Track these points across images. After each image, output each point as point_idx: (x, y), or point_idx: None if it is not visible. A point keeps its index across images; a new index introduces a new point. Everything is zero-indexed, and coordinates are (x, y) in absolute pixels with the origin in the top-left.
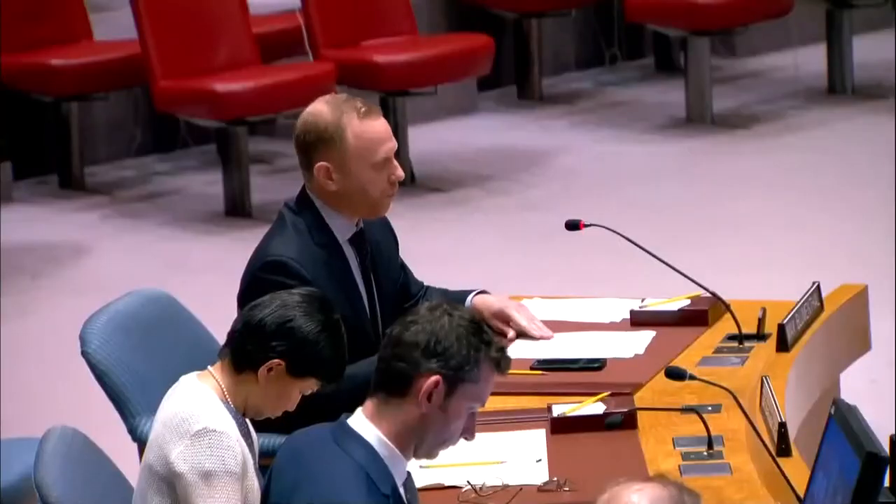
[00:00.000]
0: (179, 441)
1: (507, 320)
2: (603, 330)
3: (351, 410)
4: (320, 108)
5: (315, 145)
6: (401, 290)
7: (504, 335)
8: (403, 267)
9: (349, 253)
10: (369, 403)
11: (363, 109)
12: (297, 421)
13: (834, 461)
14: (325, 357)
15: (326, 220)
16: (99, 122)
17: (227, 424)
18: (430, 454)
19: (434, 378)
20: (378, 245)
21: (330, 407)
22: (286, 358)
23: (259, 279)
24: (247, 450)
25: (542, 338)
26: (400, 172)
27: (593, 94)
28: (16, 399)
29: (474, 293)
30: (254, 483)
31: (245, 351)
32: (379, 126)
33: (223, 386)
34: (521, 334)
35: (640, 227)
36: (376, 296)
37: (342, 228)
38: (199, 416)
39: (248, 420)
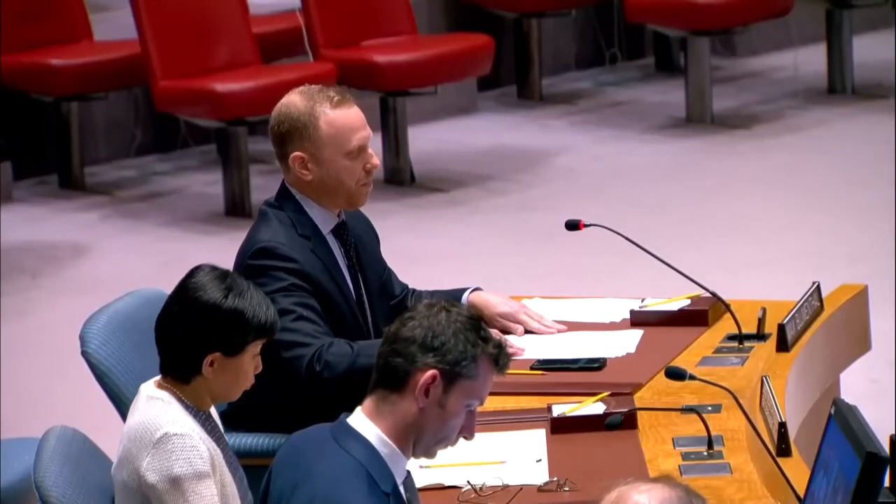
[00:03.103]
0: (145, 452)
1: (517, 323)
2: (602, 330)
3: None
4: (293, 99)
5: (289, 135)
6: (383, 287)
7: (510, 333)
8: (386, 265)
9: (333, 244)
10: (368, 401)
11: (336, 98)
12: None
13: (834, 461)
14: (248, 319)
15: (308, 212)
16: (99, 122)
17: (187, 426)
18: (429, 453)
19: (431, 373)
20: (360, 238)
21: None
22: (218, 348)
23: (251, 266)
24: (213, 445)
25: (559, 331)
26: (375, 161)
27: (593, 94)
28: (16, 399)
29: (469, 291)
30: (225, 476)
31: (179, 364)
32: (352, 114)
33: (179, 392)
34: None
35: (640, 227)
36: (363, 287)
37: (324, 220)
38: (159, 422)
39: (213, 414)
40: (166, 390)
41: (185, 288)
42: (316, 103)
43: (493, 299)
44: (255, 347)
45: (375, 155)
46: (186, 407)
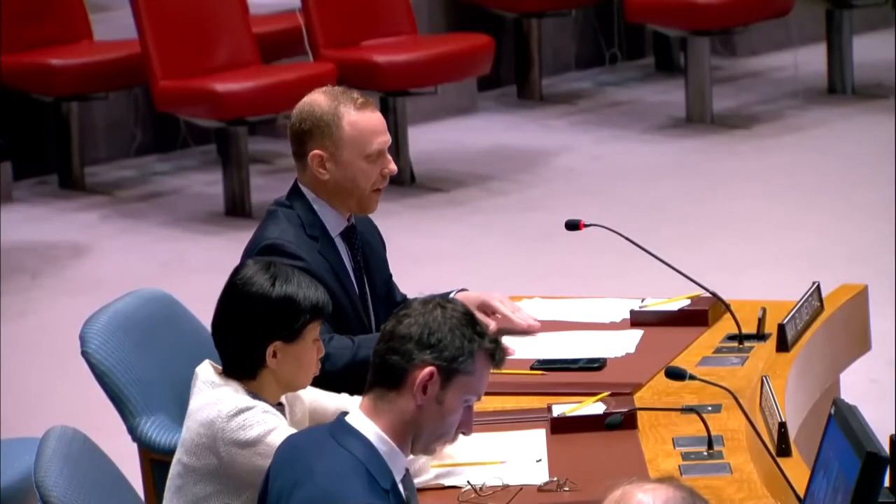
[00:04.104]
0: (216, 430)
1: (490, 311)
2: (602, 330)
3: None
4: (317, 98)
5: (310, 133)
6: (388, 293)
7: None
8: (390, 272)
9: (341, 246)
10: (366, 399)
11: (360, 101)
12: None
13: (834, 461)
14: (299, 302)
15: (318, 214)
16: (99, 122)
17: (254, 403)
18: (428, 449)
19: (428, 369)
20: (369, 243)
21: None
22: (277, 336)
23: None
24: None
25: (529, 328)
26: (393, 166)
27: (593, 94)
28: (16, 399)
29: (455, 292)
30: None
31: (243, 360)
32: (375, 118)
33: (246, 387)
34: (506, 329)
35: (640, 226)
36: (368, 291)
37: (334, 222)
38: (226, 402)
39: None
40: (234, 381)
41: (233, 286)
42: (340, 104)
43: (471, 295)
44: (314, 331)
45: (393, 160)
46: (255, 397)
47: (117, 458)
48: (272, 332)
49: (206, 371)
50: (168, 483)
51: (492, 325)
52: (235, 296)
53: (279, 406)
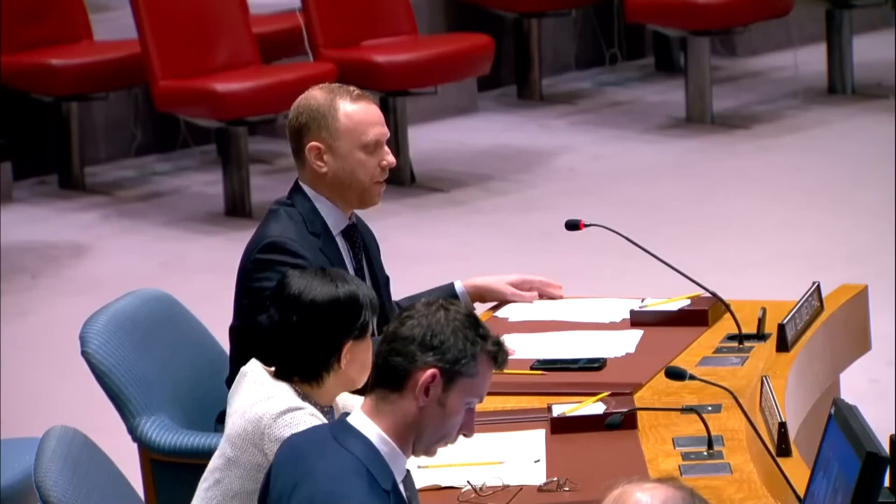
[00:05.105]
0: (264, 426)
1: (528, 287)
2: (602, 330)
3: None
4: (313, 93)
5: (307, 126)
6: (388, 295)
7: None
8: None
9: (342, 245)
10: (368, 400)
11: (356, 93)
12: None
13: (834, 461)
14: (362, 298)
15: (319, 211)
16: (99, 122)
17: (304, 404)
18: (429, 451)
19: (431, 371)
20: (369, 245)
21: None
22: (349, 335)
23: (259, 260)
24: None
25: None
26: (391, 158)
27: (593, 94)
28: (16, 399)
29: (458, 281)
30: None
31: (313, 364)
32: (371, 109)
33: (297, 389)
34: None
35: (640, 226)
36: None
37: (335, 220)
38: (278, 400)
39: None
40: (285, 382)
41: (292, 297)
42: (336, 96)
43: (491, 276)
44: (371, 325)
45: (391, 153)
46: (304, 398)
47: (117, 458)
48: (346, 332)
49: (257, 371)
50: (205, 475)
51: (535, 295)
52: (300, 306)
53: (328, 410)
